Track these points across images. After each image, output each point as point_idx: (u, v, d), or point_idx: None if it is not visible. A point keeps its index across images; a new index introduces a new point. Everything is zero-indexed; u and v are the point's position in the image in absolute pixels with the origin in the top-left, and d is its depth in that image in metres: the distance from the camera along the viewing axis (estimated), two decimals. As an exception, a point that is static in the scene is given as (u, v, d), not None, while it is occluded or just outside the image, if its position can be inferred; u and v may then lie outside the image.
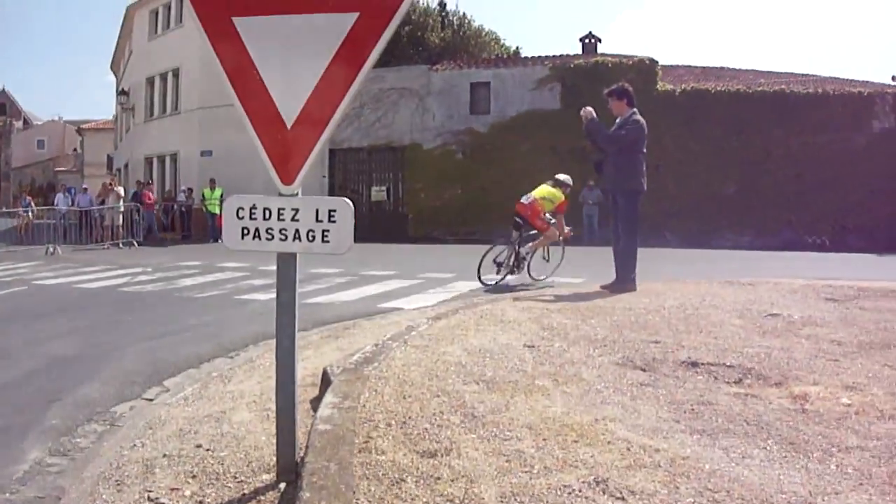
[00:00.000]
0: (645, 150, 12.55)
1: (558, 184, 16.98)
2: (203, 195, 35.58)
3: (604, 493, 3.98)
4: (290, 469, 4.90)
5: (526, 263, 16.66)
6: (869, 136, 33.46)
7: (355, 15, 4.68)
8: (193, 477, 5.32)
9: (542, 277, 16.72)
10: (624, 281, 12.06)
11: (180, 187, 39.46)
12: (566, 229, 16.86)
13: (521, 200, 16.63)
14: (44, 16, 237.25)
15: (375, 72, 37.82)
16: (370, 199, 38.55)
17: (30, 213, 33.38)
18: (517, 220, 16.61)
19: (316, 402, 6.47)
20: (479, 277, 16.04)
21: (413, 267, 16.93)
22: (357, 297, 14.72)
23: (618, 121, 12.47)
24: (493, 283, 15.98)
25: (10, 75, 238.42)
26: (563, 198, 16.59)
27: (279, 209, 4.86)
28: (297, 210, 4.83)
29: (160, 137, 47.02)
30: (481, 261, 16.20)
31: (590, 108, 12.80)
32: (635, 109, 12.66)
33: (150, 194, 37.15)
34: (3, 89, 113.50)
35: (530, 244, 16.74)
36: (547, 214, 16.37)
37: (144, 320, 12.58)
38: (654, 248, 18.33)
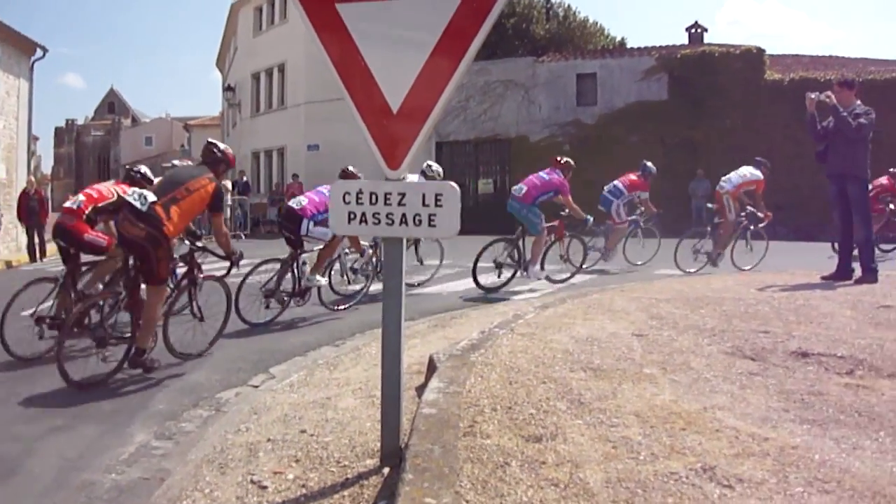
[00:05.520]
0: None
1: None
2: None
3: (711, 480, 3.93)
4: (394, 454, 4.92)
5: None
6: None
7: (457, 1, 4.69)
8: (297, 461, 5.38)
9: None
10: (868, 272, 11.88)
11: (287, 181, 39.75)
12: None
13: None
14: (150, 15, 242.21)
15: (481, 64, 37.90)
16: (477, 192, 38.55)
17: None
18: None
19: (422, 390, 6.48)
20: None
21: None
22: (464, 287, 14.88)
23: (844, 110, 12.14)
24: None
25: (119, 74, 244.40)
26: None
27: (386, 193, 4.87)
28: (403, 194, 4.84)
29: (266, 132, 47.88)
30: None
31: (822, 94, 12.44)
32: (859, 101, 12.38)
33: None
34: (112, 88, 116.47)
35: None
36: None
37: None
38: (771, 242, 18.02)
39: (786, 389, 5.58)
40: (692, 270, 16.27)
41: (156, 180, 10.70)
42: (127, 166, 12.63)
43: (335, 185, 5.07)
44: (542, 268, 15.62)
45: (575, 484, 3.93)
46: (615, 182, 19.36)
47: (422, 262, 15.41)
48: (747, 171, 17.77)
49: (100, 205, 11.20)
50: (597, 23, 50.59)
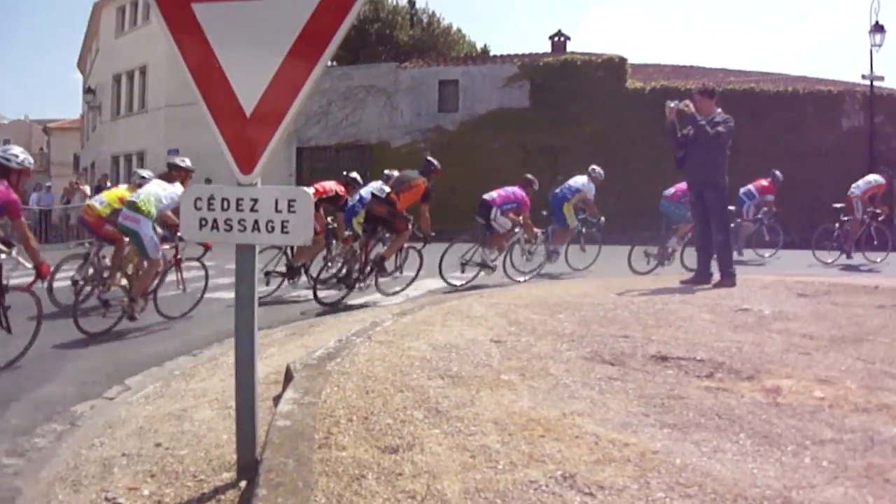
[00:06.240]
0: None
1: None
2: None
3: (571, 488, 3.87)
4: (250, 467, 4.77)
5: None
6: (839, 135, 33.76)
7: (316, 1, 4.59)
8: (152, 476, 5.20)
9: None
10: (726, 276, 12.24)
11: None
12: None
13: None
14: (9, 14, 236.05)
15: (343, 69, 37.80)
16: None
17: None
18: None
19: (279, 400, 6.36)
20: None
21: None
22: (324, 294, 14.64)
23: (704, 118, 12.33)
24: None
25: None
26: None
27: (238, 199, 4.75)
28: (255, 200, 4.72)
29: (127, 136, 46.96)
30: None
31: (681, 102, 12.71)
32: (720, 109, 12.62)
33: None
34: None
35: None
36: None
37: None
38: (624, 246, 18.65)
39: (646, 394, 5.58)
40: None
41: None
42: (346, 173, 17.75)
43: (187, 190, 4.94)
44: (683, 248, 18.71)
45: (432, 495, 3.85)
46: (749, 186, 23.11)
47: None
48: (872, 178, 21.66)
49: (323, 196, 15.77)
50: (460, 30, 50.99)
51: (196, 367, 9.12)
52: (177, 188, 12.65)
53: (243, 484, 4.75)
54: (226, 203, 4.76)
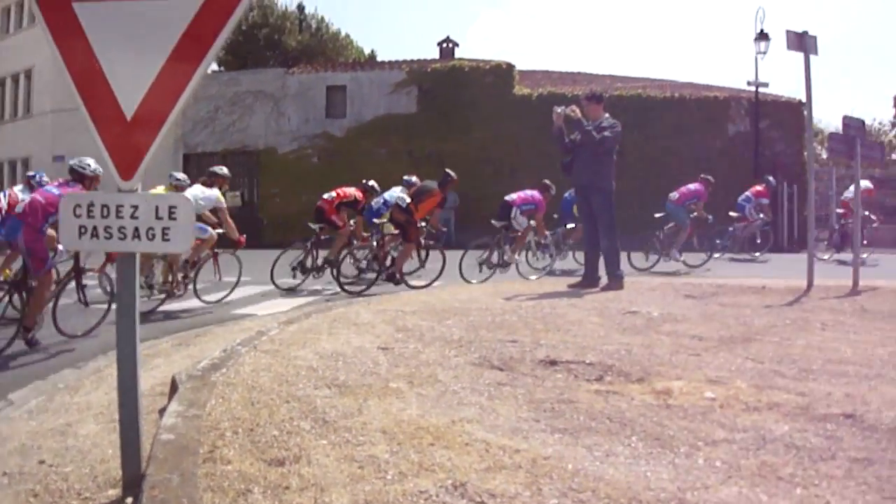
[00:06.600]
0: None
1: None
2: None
3: (462, 497, 3.80)
4: (136, 482, 4.63)
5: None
6: (724, 140, 34.74)
7: (199, 1, 4.50)
8: (35, 496, 5.02)
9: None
10: (614, 278, 12.44)
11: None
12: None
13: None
14: None
15: (230, 75, 37.63)
16: (225, 205, 38.25)
17: None
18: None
19: (165, 412, 6.23)
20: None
21: (268, 273, 17.08)
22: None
23: (591, 123, 12.44)
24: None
25: None
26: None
27: (118, 206, 4.59)
28: (136, 207, 4.57)
29: (11, 142, 45.89)
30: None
31: (567, 107, 12.86)
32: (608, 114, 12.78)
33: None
34: None
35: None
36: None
37: (-13, 331, 12.15)
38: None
39: (535, 399, 5.55)
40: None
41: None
42: (364, 181, 19.70)
43: (65, 197, 4.77)
44: (681, 253, 21.38)
45: (320, 509, 3.76)
46: (746, 192, 25.53)
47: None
48: (862, 184, 21.91)
49: (343, 200, 18.44)
50: (348, 35, 51.05)
51: (81, 379, 8.87)
52: (213, 192, 15.35)
53: (129, 500, 4.60)
54: (105, 210, 4.59)
